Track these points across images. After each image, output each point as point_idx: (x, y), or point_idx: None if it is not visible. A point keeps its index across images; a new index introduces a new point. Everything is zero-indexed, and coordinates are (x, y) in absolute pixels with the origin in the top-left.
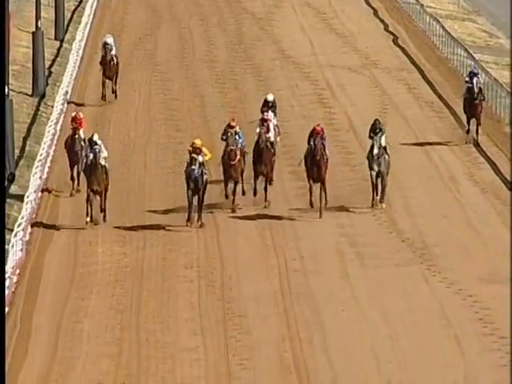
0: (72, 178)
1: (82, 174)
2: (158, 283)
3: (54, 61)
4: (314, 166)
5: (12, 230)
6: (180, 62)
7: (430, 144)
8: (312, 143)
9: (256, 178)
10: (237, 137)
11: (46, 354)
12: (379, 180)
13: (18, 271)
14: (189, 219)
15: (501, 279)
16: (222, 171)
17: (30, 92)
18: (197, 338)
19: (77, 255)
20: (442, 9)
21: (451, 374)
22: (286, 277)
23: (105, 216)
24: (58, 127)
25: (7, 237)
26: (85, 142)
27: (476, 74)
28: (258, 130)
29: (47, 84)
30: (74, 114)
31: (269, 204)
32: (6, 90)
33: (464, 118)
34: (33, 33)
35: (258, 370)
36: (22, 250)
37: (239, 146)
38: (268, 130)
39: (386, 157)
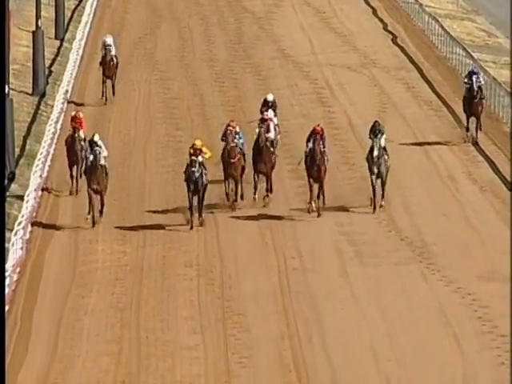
0: (71, 177)
1: (81, 174)
2: (157, 281)
3: (54, 60)
4: (314, 166)
5: (12, 229)
6: (180, 61)
7: (428, 143)
8: (312, 145)
9: (256, 176)
10: (237, 136)
11: (46, 352)
12: (378, 181)
13: (18, 269)
14: (189, 223)
15: (499, 277)
16: (222, 169)
17: (30, 91)
18: (196, 336)
19: (77, 254)
20: (441, 8)
21: (450, 371)
22: (285, 275)
23: (101, 211)
24: (58, 126)
25: (7, 235)
26: (85, 142)
27: (476, 74)
28: (257, 130)
29: (47, 83)
30: (73, 114)
31: (268, 202)
32: (7, 89)
33: (463, 116)
34: (33, 32)
35: (257, 368)
36: (22, 248)
37: (239, 145)
38: (268, 130)
39: (386, 157)
